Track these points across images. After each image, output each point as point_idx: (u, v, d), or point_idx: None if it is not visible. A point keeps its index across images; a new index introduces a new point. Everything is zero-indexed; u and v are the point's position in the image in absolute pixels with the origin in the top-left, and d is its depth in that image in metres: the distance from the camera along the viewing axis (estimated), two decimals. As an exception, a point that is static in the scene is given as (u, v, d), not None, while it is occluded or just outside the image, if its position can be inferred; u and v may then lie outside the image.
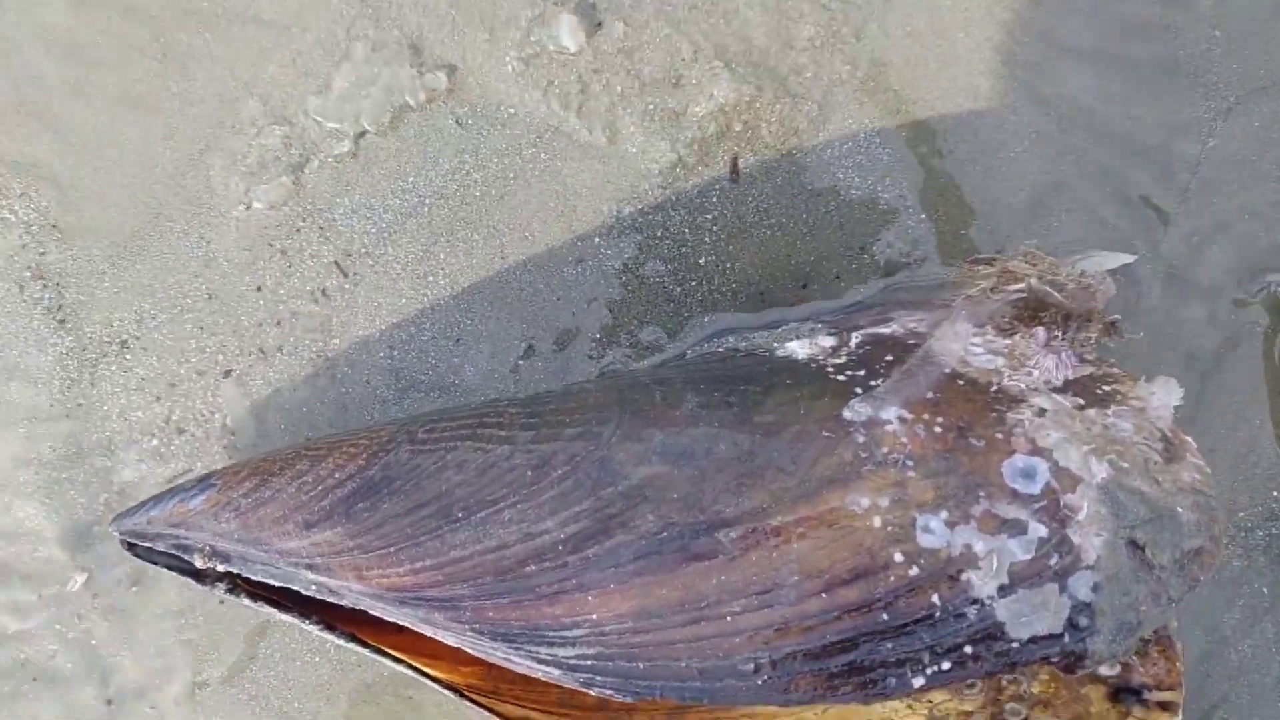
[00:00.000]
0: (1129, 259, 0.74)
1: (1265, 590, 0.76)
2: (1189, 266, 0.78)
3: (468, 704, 0.63)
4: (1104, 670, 0.62)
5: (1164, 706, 0.60)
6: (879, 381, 0.60)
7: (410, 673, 0.65)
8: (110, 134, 0.77)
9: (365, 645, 0.66)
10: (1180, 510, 0.52)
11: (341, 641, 0.66)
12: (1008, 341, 0.64)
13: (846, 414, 0.57)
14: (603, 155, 0.78)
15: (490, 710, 0.63)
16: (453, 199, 0.78)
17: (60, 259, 0.77)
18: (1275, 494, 0.77)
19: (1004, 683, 0.64)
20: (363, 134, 0.78)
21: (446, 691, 0.64)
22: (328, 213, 0.78)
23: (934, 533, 0.52)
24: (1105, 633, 0.50)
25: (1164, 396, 0.58)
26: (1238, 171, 0.78)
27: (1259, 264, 0.78)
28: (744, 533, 0.53)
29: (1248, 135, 0.79)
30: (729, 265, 0.78)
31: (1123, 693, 0.61)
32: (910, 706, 0.65)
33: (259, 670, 0.76)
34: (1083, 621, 0.50)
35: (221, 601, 0.77)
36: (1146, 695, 0.61)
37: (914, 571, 0.51)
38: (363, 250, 0.78)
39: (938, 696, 0.65)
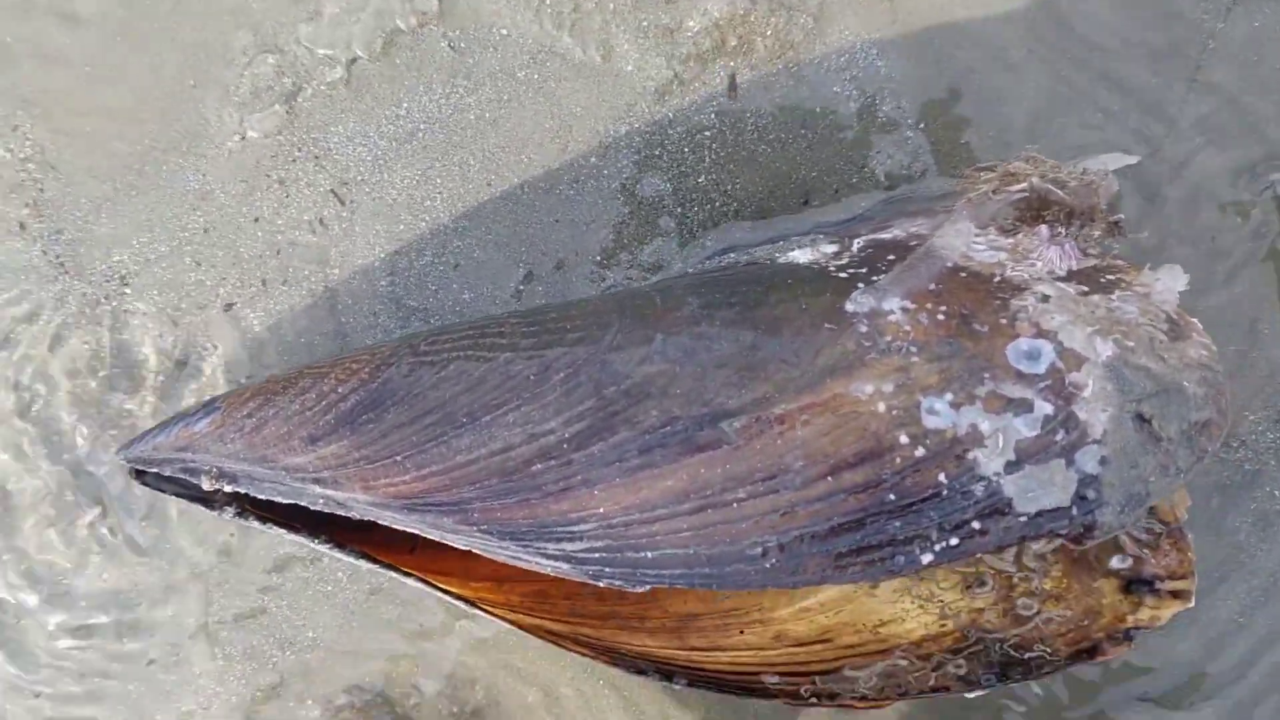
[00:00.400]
0: (1131, 160, 0.73)
1: (1277, 493, 0.76)
2: (1192, 168, 0.77)
3: (479, 612, 0.63)
4: (1116, 564, 0.62)
5: (1176, 595, 0.60)
6: (881, 278, 0.59)
7: (422, 586, 0.65)
8: (102, 69, 0.77)
9: (375, 561, 0.66)
10: (1187, 384, 0.52)
11: (351, 559, 0.66)
12: (1011, 240, 0.64)
13: (849, 306, 0.57)
14: (597, 74, 0.77)
15: (503, 619, 0.64)
16: (447, 124, 0.77)
17: (58, 196, 0.77)
18: (1284, 396, 0.76)
19: (1015, 580, 0.64)
20: (355, 60, 0.77)
21: (458, 602, 0.64)
22: (323, 141, 0.77)
23: (939, 414, 0.52)
24: (1113, 504, 0.50)
25: (1169, 281, 0.58)
26: (1239, 72, 0.77)
27: (1262, 164, 0.77)
28: (748, 422, 0.53)
29: (1248, 36, 0.78)
30: (729, 182, 0.77)
31: (1135, 584, 0.61)
32: (922, 606, 0.65)
33: (272, 603, 0.76)
34: (1090, 494, 0.50)
35: (231, 535, 0.77)
36: (1159, 585, 0.61)
37: (920, 452, 0.51)
38: (359, 178, 0.77)
39: (950, 595, 0.65)
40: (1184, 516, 0.62)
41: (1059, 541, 0.63)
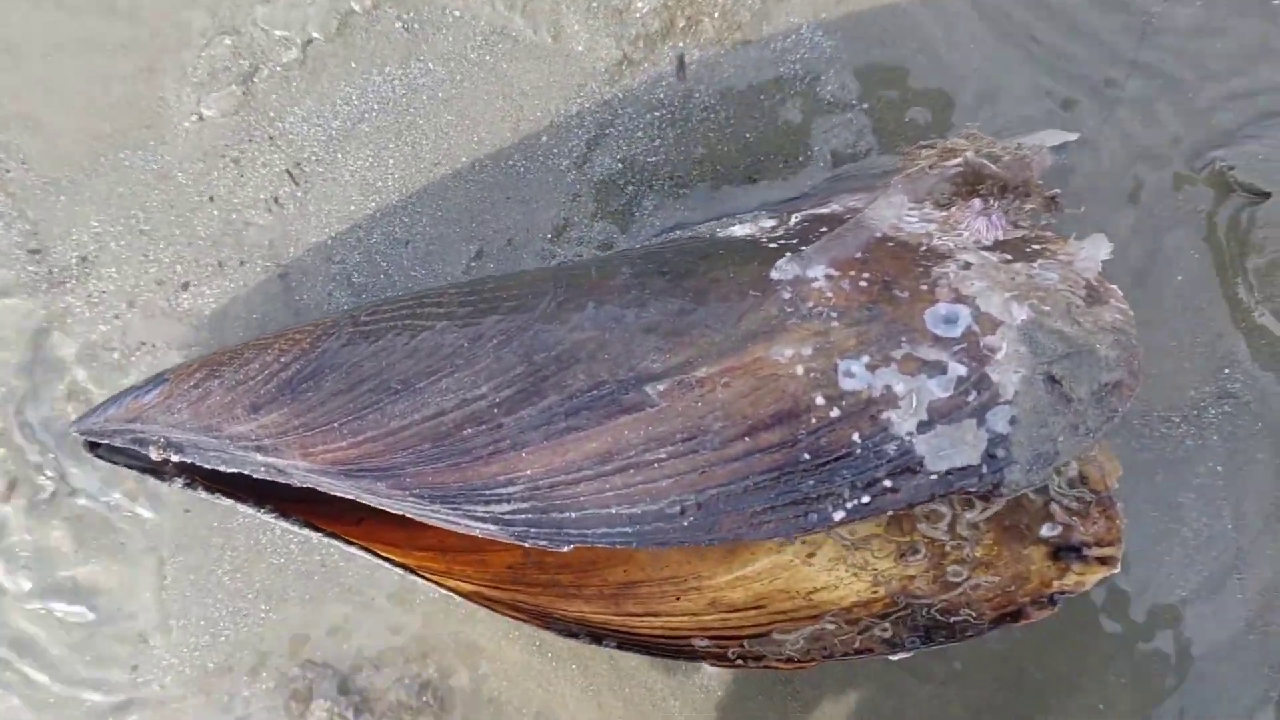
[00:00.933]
0: (1071, 137, 0.74)
1: (1219, 468, 0.77)
2: (1134, 145, 0.78)
3: (418, 579, 0.64)
4: (1046, 531, 0.63)
5: (1103, 561, 0.61)
6: (807, 247, 0.60)
7: (365, 555, 0.66)
8: (62, 51, 0.78)
9: (319, 530, 0.67)
10: (1099, 347, 0.53)
11: (295, 528, 0.67)
12: (944, 213, 0.65)
13: (774, 274, 0.58)
14: (548, 55, 0.78)
15: (440, 585, 0.65)
16: (400, 104, 0.79)
17: (20, 177, 0.78)
18: (1226, 372, 0.77)
19: (948, 548, 0.65)
20: (310, 41, 0.79)
21: (397, 570, 0.65)
22: (278, 121, 0.79)
23: (855, 376, 0.52)
24: (1022, 463, 0.51)
25: (1092, 250, 0.59)
26: (1180, 51, 0.78)
27: (1203, 142, 0.78)
28: (671, 386, 0.54)
29: (1189, 16, 0.78)
30: (678, 161, 0.78)
31: (1064, 551, 0.62)
32: (856, 574, 0.65)
33: (226, 576, 0.77)
34: (1000, 453, 0.51)
35: (187, 511, 0.78)
36: (1086, 552, 0.61)
37: (835, 413, 0.52)
38: (313, 157, 0.79)
39: (884, 564, 0.66)
40: (1114, 485, 0.63)
41: (992, 510, 0.64)
